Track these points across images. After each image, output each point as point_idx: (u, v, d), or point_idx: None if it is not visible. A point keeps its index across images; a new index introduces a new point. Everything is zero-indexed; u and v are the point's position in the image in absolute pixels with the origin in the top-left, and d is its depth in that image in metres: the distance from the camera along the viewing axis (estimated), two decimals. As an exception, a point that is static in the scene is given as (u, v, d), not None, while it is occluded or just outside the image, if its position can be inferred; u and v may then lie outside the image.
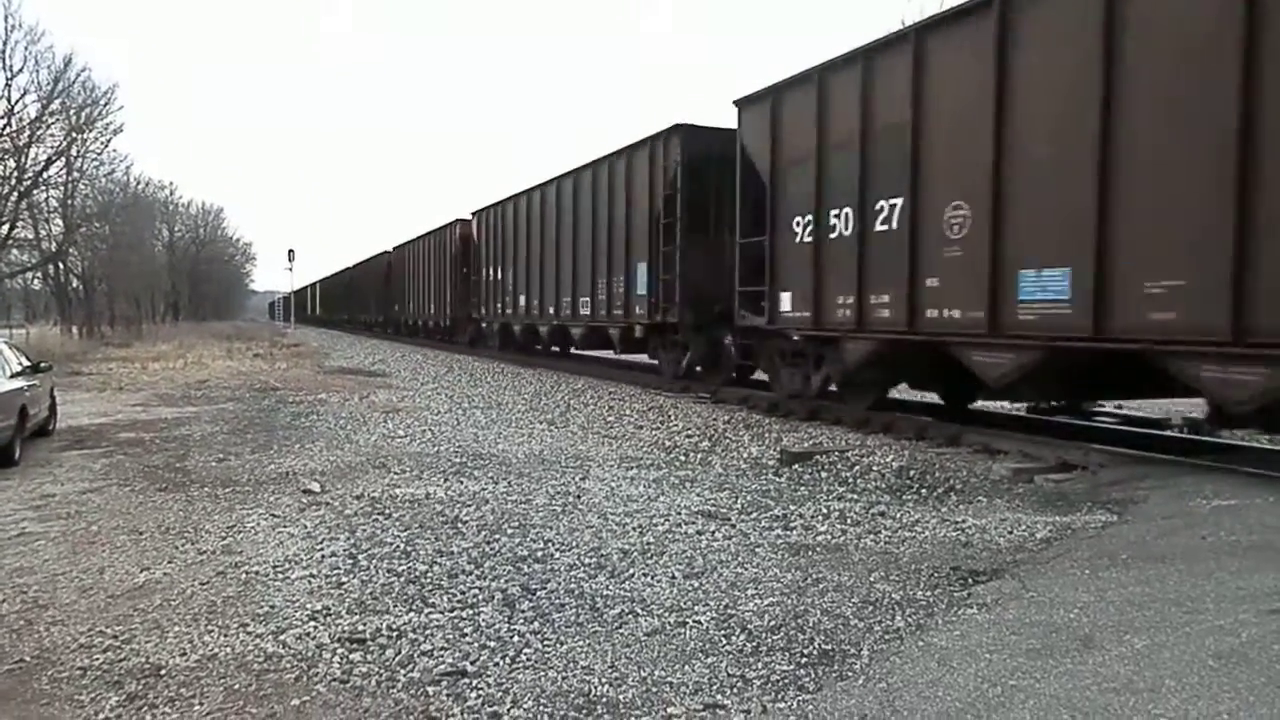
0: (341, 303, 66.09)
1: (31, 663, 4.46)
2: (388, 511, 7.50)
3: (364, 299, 54.80)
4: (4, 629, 4.93)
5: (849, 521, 7.10)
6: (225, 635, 4.76)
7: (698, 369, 16.61)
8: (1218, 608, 4.54)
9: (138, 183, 51.89)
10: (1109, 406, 11.71)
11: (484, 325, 28.91)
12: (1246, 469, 7.82)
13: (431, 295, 35.48)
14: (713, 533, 6.77)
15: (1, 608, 5.27)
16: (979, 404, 12.29)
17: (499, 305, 26.72)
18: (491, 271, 27.26)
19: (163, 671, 4.31)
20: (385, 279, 46.13)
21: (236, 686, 4.14)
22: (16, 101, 31.87)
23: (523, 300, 24.30)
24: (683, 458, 10.33)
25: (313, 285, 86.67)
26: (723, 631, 4.73)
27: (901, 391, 13.43)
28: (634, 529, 6.88)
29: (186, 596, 5.41)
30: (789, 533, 6.79)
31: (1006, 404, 12.04)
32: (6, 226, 33.13)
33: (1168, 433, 10.34)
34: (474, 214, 29.27)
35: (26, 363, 12.05)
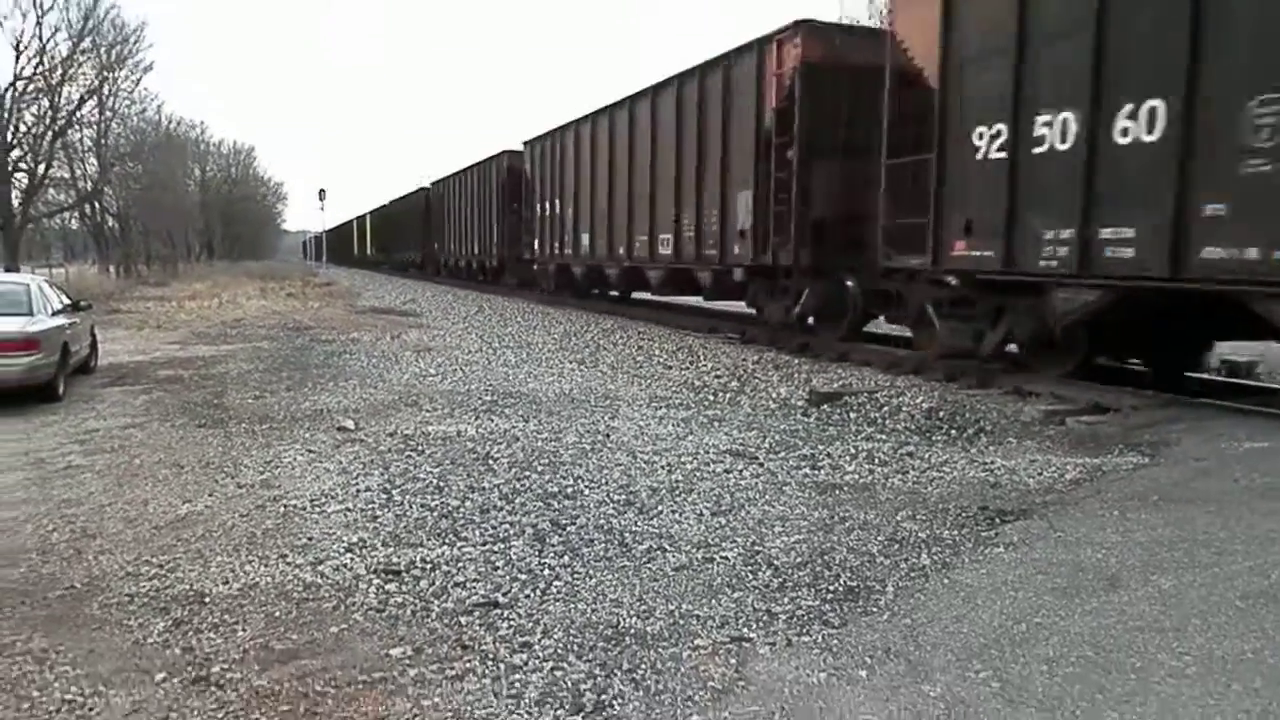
0: (408, 238, 46.64)
1: (81, 589, 4.63)
2: (420, 448, 7.62)
3: (450, 232, 36.44)
4: (55, 557, 5.11)
5: (877, 461, 7.12)
6: (265, 565, 4.91)
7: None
8: (1247, 549, 4.54)
9: (169, 121, 52.22)
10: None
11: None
12: (1284, 412, 7.69)
13: (659, 208, 17.36)
14: (740, 471, 6.82)
15: (52, 537, 5.47)
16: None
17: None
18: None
19: (206, 599, 4.46)
20: (501, 199, 28.68)
21: (277, 614, 4.28)
22: (48, 40, 31.98)
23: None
24: (711, 397, 10.36)
25: (360, 218, 68.18)
26: (749, 568, 4.80)
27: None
28: (662, 467, 6.95)
29: (227, 528, 5.57)
30: (817, 472, 6.83)
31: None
32: (43, 166, 33.50)
33: (1203, 375, 10.18)
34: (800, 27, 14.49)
35: (67, 301, 12.27)
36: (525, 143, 26.12)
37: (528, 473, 6.78)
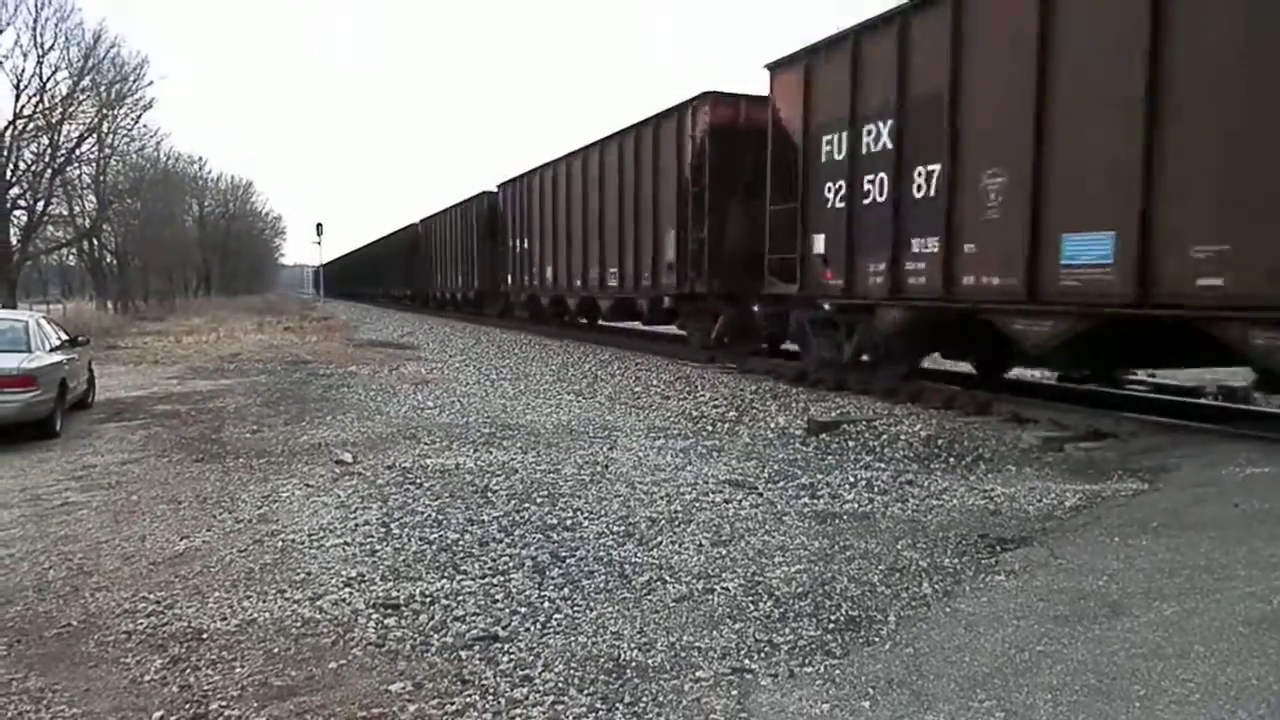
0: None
1: (78, 627, 4.60)
2: (419, 481, 7.60)
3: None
4: (51, 595, 5.08)
5: (876, 490, 7.11)
6: (264, 601, 4.88)
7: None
8: (1249, 575, 4.52)
9: (168, 158, 52.38)
10: (1141, 375, 11.58)
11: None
12: (1281, 437, 7.72)
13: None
14: (740, 501, 6.81)
15: (48, 575, 5.43)
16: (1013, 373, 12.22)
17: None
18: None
19: (204, 635, 4.43)
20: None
21: (276, 650, 4.25)
22: (48, 79, 32.20)
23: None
24: (710, 427, 10.35)
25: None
26: (750, 598, 4.78)
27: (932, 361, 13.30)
28: (662, 498, 6.93)
29: (225, 563, 5.54)
30: (816, 501, 6.81)
31: (1038, 373, 11.95)
32: (41, 203, 33.62)
33: (1201, 401, 10.21)
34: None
35: (65, 337, 12.28)
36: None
37: (527, 505, 6.76)
